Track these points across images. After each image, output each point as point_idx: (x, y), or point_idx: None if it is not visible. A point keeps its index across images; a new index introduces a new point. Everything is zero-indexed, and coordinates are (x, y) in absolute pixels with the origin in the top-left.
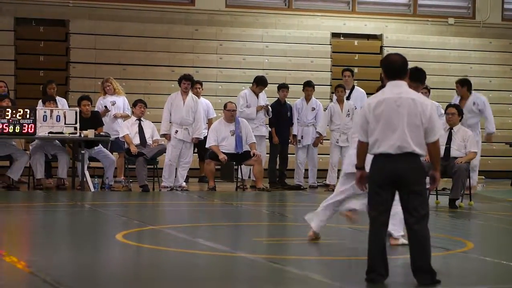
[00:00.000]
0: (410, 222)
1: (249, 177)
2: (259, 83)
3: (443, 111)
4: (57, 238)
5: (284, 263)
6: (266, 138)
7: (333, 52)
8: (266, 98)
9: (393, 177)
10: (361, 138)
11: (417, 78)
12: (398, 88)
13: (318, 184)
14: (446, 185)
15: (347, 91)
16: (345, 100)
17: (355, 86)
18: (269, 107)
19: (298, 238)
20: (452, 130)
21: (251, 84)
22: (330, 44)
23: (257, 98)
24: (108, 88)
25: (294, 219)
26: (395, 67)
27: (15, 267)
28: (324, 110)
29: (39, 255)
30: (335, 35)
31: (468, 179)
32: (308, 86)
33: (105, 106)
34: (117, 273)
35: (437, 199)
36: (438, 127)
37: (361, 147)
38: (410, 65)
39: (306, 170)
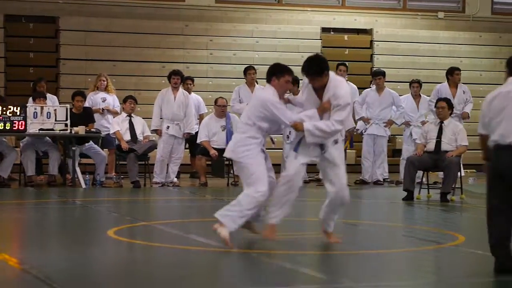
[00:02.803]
0: None
1: None
2: (244, 71)
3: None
4: (48, 235)
5: (277, 258)
6: None
7: (323, 47)
8: None
9: None
10: (482, 131)
11: (308, 71)
12: None
13: (310, 178)
14: (437, 179)
15: None
16: None
17: (347, 81)
18: None
19: (290, 233)
20: (443, 124)
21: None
22: (320, 39)
23: (252, 93)
24: (101, 82)
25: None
26: None
27: (7, 264)
28: None
29: (31, 252)
30: (325, 30)
31: (459, 173)
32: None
33: (102, 109)
34: (109, 269)
35: (428, 192)
36: None
37: (483, 140)
38: (401, 59)
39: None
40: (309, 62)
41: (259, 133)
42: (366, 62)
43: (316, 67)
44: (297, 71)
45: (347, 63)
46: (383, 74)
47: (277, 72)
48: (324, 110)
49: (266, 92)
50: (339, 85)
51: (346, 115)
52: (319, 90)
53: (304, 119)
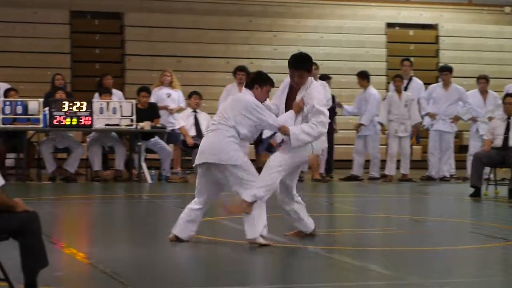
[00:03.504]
0: None
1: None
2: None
3: (500, 101)
4: (115, 230)
5: (344, 254)
6: None
7: (388, 42)
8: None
9: None
10: None
11: (298, 65)
12: None
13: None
14: (505, 175)
15: (405, 82)
16: (402, 91)
17: (413, 77)
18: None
19: (358, 229)
20: (510, 120)
21: None
22: (385, 34)
23: None
24: (166, 77)
25: (354, 210)
26: None
27: (74, 259)
28: (383, 100)
29: (98, 247)
30: (390, 25)
31: None
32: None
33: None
34: (175, 264)
35: (496, 189)
36: None
37: None
38: (467, 54)
39: (367, 160)
40: (303, 57)
41: (238, 137)
42: (432, 57)
43: (309, 63)
44: (362, 67)
45: (412, 58)
46: (449, 69)
47: (260, 80)
48: (298, 108)
49: (247, 96)
50: (316, 88)
51: (325, 118)
52: (293, 92)
53: (287, 121)
